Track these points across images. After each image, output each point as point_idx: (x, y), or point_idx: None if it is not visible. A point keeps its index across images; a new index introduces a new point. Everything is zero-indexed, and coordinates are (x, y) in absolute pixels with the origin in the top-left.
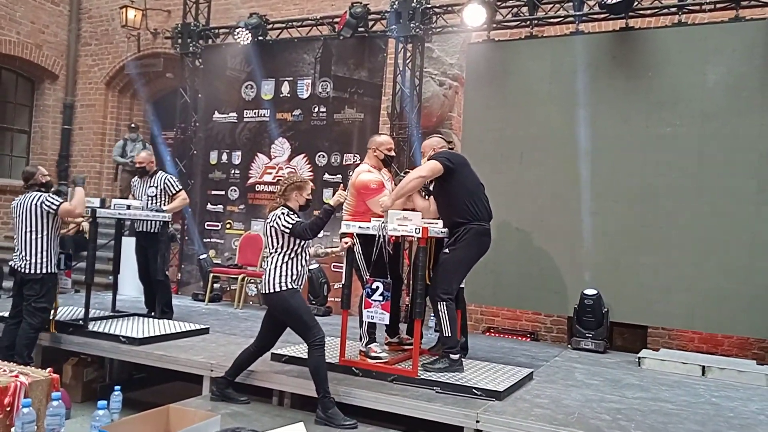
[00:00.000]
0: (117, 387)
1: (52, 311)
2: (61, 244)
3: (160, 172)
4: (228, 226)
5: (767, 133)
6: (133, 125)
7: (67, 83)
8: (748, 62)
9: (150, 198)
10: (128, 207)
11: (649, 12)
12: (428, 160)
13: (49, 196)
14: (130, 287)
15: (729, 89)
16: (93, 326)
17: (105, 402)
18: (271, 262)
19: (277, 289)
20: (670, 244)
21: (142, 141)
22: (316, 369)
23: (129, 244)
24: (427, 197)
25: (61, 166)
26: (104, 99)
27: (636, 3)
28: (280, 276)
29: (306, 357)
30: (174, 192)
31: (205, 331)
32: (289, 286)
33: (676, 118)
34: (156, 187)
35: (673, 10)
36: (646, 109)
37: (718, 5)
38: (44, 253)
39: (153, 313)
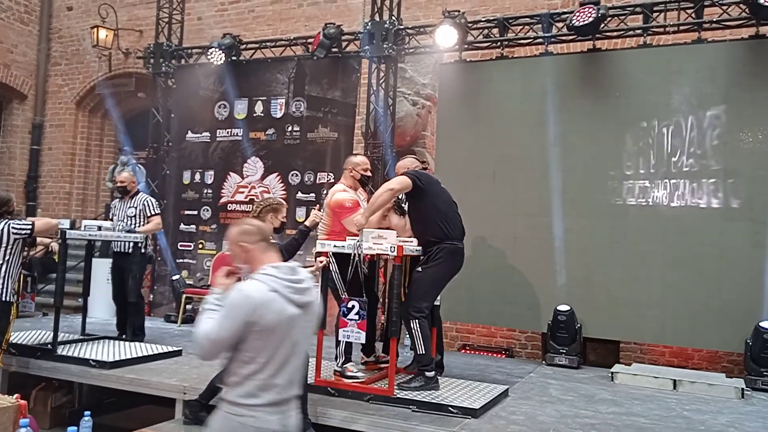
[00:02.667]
0: (87, 412)
1: (3, 342)
2: (28, 266)
3: (141, 193)
4: (200, 246)
5: (730, 151)
6: (123, 148)
7: (36, 103)
8: (710, 82)
9: (129, 218)
10: (99, 228)
11: (615, 34)
12: None
13: (16, 222)
14: (100, 310)
15: (693, 109)
16: (62, 350)
17: (75, 428)
18: None
19: None
20: (641, 260)
21: (134, 164)
22: None
23: (99, 265)
24: (402, 216)
25: (29, 187)
26: (74, 119)
27: (603, 25)
28: None
29: None
30: (150, 215)
31: (178, 353)
32: None
33: (643, 137)
34: (135, 208)
35: (639, 32)
36: (614, 128)
37: (681, 27)
38: (3, 280)
39: (124, 336)
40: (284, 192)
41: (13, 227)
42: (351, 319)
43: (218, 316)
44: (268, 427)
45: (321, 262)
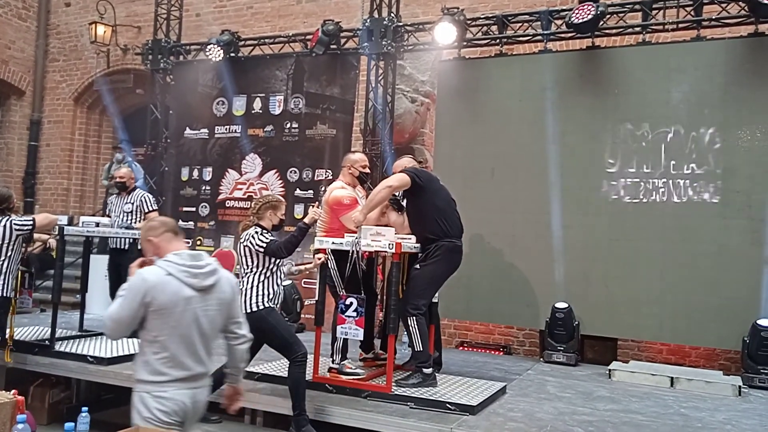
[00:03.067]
0: (84, 408)
1: (7, 339)
2: (26, 263)
3: (138, 189)
4: (198, 242)
5: (729, 149)
6: (118, 146)
7: (34, 99)
8: (709, 80)
9: (126, 214)
10: (97, 224)
11: (614, 31)
12: None
13: (17, 218)
14: (98, 306)
15: (692, 106)
16: (59, 346)
17: (72, 424)
18: (247, 282)
19: (254, 309)
20: (639, 257)
21: (130, 162)
22: (296, 386)
23: (96, 262)
24: (401, 213)
25: (27, 183)
26: (72, 115)
27: (602, 22)
28: (257, 295)
29: (278, 375)
30: (147, 211)
31: None
32: (266, 305)
33: (642, 134)
34: (132, 204)
35: (638, 29)
36: (613, 126)
37: (680, 25)
38: (4, 276)
39: None
40: (283, 189)
41: (15, 223)
42: (349, 316)
43: (120, 299)
44: (181, 399)
45: (319, 258)
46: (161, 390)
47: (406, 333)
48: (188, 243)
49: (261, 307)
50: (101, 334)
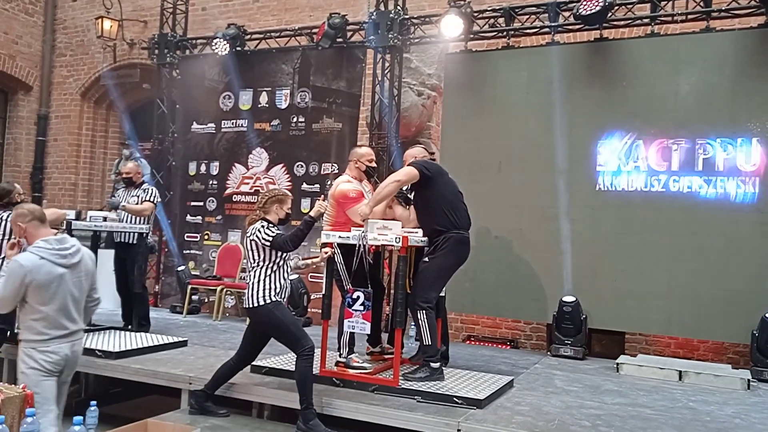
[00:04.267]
0: (93, 402)
1: (10, 332)
2: None
3: (146, 184)
4: (206, 237)
5: (738, 141)
6: (126, 142)
7: (42, 94)
8: (719, 72)
9: None
10: (104, 219)
11: (622, 23)
12: None
13: None
14: (106, 300)
15: (701, 99)
16: None
17: (81, 418)
18: (253, 276)
19: (261, 303)
20: (646, 251)
21: (138, 158)
22: (303, 380)
23: (104, 256)
24: (407, 206)
25: (35, 178)
26: (79, 110)
27: (610, 14)
28: (264, 289)
29: (286, 369)
30: (144, 200)
31: (183, 343)
32: (273, 299)
33: (650, 126)
34: (138, 197)
35: (646, 21)
36: (621, 119)
37: (689, 16)
38: None
39: (130, 326)
40: (289, 183)
41: None
42: (356, 310)
43: (2, 281)
44: (62, 352)
45: (326, 252)
46: (46, 346)
47: (413, 326)
48: (56, 231)
49: (268, 301)
50: (110, 328)
